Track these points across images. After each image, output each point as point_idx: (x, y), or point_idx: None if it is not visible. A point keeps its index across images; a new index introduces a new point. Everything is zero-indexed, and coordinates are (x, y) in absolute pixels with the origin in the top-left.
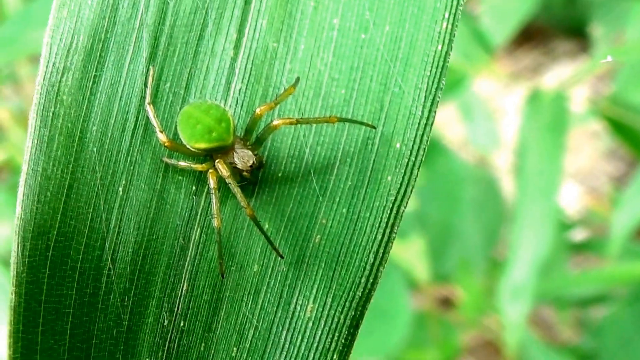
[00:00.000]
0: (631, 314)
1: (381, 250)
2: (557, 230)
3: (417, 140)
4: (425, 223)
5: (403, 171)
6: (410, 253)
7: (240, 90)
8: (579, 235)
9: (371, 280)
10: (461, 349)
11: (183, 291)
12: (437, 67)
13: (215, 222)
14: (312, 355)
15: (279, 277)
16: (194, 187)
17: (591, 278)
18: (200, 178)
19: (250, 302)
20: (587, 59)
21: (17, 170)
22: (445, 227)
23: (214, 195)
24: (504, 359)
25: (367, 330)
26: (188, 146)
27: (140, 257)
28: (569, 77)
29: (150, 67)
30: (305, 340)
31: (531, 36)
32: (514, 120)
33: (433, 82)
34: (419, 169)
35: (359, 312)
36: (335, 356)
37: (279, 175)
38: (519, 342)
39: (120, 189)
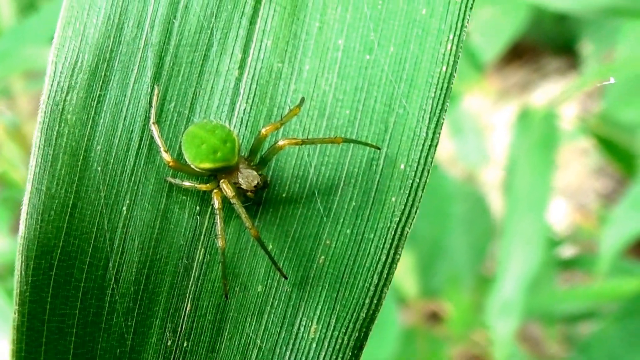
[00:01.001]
0: (619, 330)
1: (385, 272)
2: (545, 247)
3: (422, 161)
4: (414, 239)
5: (407, 192)
6: (399, 268)
7: (244, 110)
8: (567, 251)
9: (375, 302)
10: None
11: (186, 311)
12: (441, 89)
13: (220, 243)
14: None
15: (283, 298)
16: (198, 207)
17: (579, 294)
18: (204, 198)
19: (254, 323)
20: (577, 76)
21: (10, 184)
22: (434, 243)
23: (218, 216)
24: None
25: None
26: (192, 166)
27: (144, 277)
28: (558, 94)
29: (155, 86)
30: None
31: (521, 53)
32: (502, 137)
33: (437, 104)
34: (423, 190)
35: (362, 334)
36: None
37: (283, 195)
38: (507, 357)
39: (124, 208)
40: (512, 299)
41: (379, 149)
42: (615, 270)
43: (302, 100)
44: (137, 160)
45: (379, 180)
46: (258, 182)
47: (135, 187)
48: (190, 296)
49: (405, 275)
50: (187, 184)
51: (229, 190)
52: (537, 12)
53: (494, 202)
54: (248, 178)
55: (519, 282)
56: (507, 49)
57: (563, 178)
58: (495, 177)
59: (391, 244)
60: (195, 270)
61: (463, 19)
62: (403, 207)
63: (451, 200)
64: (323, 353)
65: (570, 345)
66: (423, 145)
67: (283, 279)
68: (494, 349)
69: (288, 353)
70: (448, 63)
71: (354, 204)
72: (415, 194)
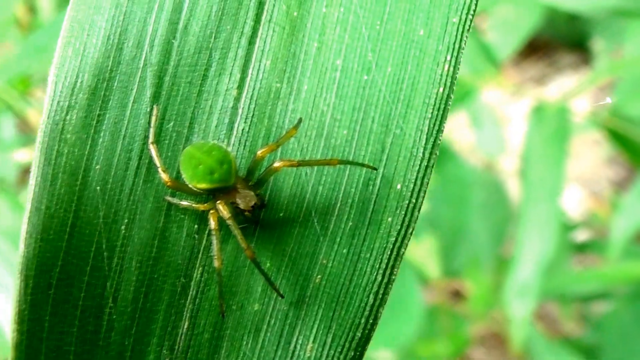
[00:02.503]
0: (631, 310)
1: (381, 292)
2: (560, 231)
3: (418, 182)
4: (436, 224)
5: (404, 213)
6: (422, 251)
7: (243, 130)
8: (581, 236)
9: (371, 321)
10: (470, 340)
11: (184, 329)
12: (438, 109)
13: (216, 263)
14: None
15: (280, 317)
16: (195, 226)
17: (593, 276)
18: (202, 217)
19: (250, 341)
20: (589, 70)
21: None
22: (455, 227)
23: (214, 237)
24: (511, 350)
25: (382, 323)
26: (190, 186)
27: (142, 295)
28: (571, 88)
29: (154, 106)
30: None
31: (536, 49)
32: (519, 127)
33: (434, 124)
34: (419, 210)
35: (358, 353)
36: None
37: (281, 214)
38: (525, 336)
39: (123, 227)
40: (529, 281)
41: (375, 169)
42: (626, 254)
43: (300, 121)
44: (136, 180)
45: (375, 201)
46: (255, 203)
47: (134, 206)
48: (188, 314)
49: (428, 257)
50: (184, 203)
51: (225, 212)
52: (551, 12)
53: (512, 189)
54: (245, 198)
55: (535, 264)
56: (524, 45)
57: (577, 167)
58: (513, 166)
59: (387, 264)
60: (193, 289)
61: (460, 40)
62: (399, 227)
63: (471, 187)
64: None
65: (585, 324)
66: (420, 165)
67: (280, 297)
68: (512, 328)
69: None
70: (445, 84)
71: (350, 223)
72: (412, 215)
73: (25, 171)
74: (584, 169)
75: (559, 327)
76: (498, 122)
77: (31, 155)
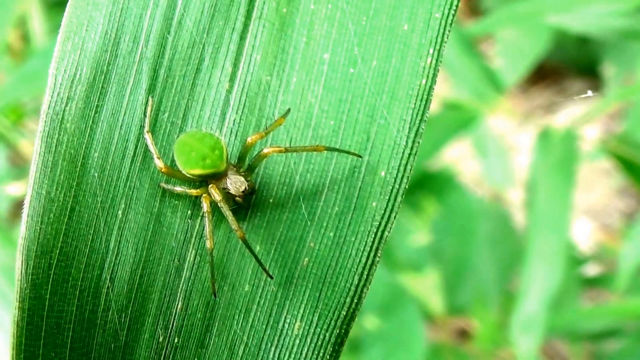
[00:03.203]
0: None
1: (365, 273)
2: (569, 265)
3: (401, 169)
4: (441, 257)
5: (387, 198)
6: (425, 286)
7: (234, 120)
8: (592, 270)
9: (355, 301)
10: None
11: (177, 309)
12: (421, 100)
13: (208, 244)
14: None
15: (269, 297)
16: (189, 211)
17: (603, 312)
18: (195, 202)
19: (241, 320)
20: (599, 98)
21: None
22: (460, 261)
23: (207, 219)
24: None
25: (384, 358)
26: (184, 172)
27: (138, 277)
28: (580, 115)
29: (150, 97)
30: (293, 356)
31: (545, 75)
32: (527, 157)
33: (417, 115)
34: (402, 196)
35: (343, 330)
36: None
37: (270, 200)
38: None
39: (120, 212)
40: (535, 316)
41: (360, 157)
42: (637, 288)
43: (288, 111)
44: (132, 167)
45: (360, 187)
46: (246, 188)
47: (130, 192)
48: (181, 295)
49: (432, 292)
50: (178, 189)
51: (216, 195)
52: (560, 35)
53: (519, 222)
54: (236, 184)
55: (541, 299)
56: (531, 70)
57: (588, 198)
58: (521, 198)
59: (371, 247)
60: (186, 270)
61: (443, 34)
62: (383, 211)
63: (477, 219)
64: (306, 349)
65: None
66: (403, 153)
67: (269, 279)
68: None
69: (273, 349)
70: (428, 76)
71: (336, 208)
72: (395, 200)
73: (17, 205)
74: (594, 200)
75: None
76: (505, 152)
77: (24, 189)
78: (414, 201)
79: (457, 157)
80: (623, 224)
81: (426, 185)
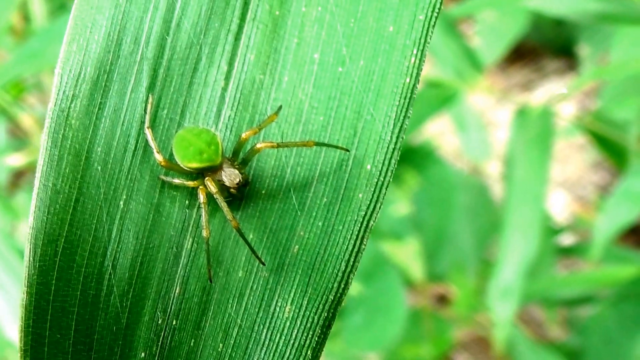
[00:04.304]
0: (614, 314)
1: (352, 260)
2: (545, 235)
3: (386, 162)
4: (421, 227)
5: (373, 190)
6: (406, 254)
7: (229, 116)
8: (567, 240)
9: (342, 286)
10: (454, 344)
11: (176, 294)
12: (405, 98)
13: (205, 233)
14: (288, 350)
15: (261, 282)
16: (187, 202)
17: (577, 280)
18: (192, 194)
19: (235, 304)
20: (575, 76)
21: None
22: (440, 230)
23: (203, 209)
24: (495, 355)
25: (366, 325)
26: (182, 165)
27: (138, 264)
28: (556, 93)
29: (150, 95)
30: (283, 337)
31: (523, 55)
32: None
33: (401, 111)
34: (387, 188)
35: (331, 314)
36: (309, 352)
37: (263, 192)
38: (508, 338)
39: (121, 202)
40: (511, 284)
41: (348, 151)
42: (611, 257)
43: (280, 107)
44: (133, 160)
45: (347, 179)
46: (240, 180)
47: (131, 184)
48: (179, 280)
49: (412, 260)
50: (177, 181)
51: (212, 187)
52: (537, 17)
53: (498, 194)
54: (231, 176)
55: (517, 267)
56: (510, 50)
57: (563, 171)
58: (499, 170)
59: (357, 235)
60: (184, 257)
61: (426, 35)
62: (369, 202)
63: (456, 191)
64: (296, 330)
65: (570, 328)
66: (387, 148)
67: (261, 265)
68: (495, 330)
69: (265, 330)
70: (412, 75)
71: (325, 199)
72: (380, 191)
73: (17, 175)
74: (569, 173)
75: (544, 332)
76: (483, 127)
77: (23, 160)
78: (396, 173)
79: (437, 132)
80: (597, 196)
81: (408, 158)
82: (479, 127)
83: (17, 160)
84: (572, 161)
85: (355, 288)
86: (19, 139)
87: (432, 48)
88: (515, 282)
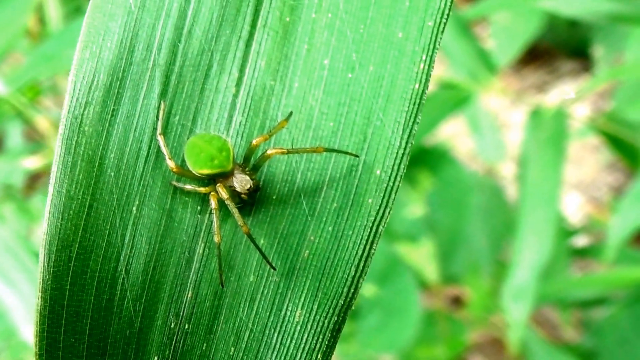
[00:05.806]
0: (629, 315)
1: (362, 264)
2: (559, 236)
3: (395, 168)
4: (435, 228)
5: (382, 195)
6: (420, 255)
7: (240, 122)
8: (581, 241)
9: (352, 291)
10: (469, 345)
11: (188, 298)
12: (414, 104)
13: (216, 239)
14: (299, 354)
15: (272, 287)
16: (198, 207)
17: (591, 281)
18: (204, 199)
19: (246, 308)
20: (589, 77)
21: None
22: (454, 232)
23: (215, 215)
24: (510, 356)
25: (380, 327)
26: (193, 172)
27: (151, 268)
28: (565, 98)
29: (162, 102)
30: (294, 341)
31: (537, 56)
32: (519, 134)
33: (410, 117)
34: (396, 193)
35: (341, 318)
36: (319, 355)
37: (274, 197)
38: (522, 339)
39: (134, 208)
40: (526, 285)
41: (357, 156)
42: (625, 258)
43: (290, 114)
44: (146, 167)
45: (357, 185)
46: (251, 186)
47: (144, 190)
48: (191, 285)
49: (427, 261)
50: (188, 187)
51: (223, 193)
52: (551, 18)
53: (512, 195)
54: (242, 182)
55: (532, 269)
56: (524, 52)
57: (577, 173)
58: (513, 172)
59: (367, 240)
60: (196, 262)
61: (435, 41)
62: (378, 207)
63: (470, 192)
64: (306, 335)
65: (584, 330)
66: (397, 153)
67: (272, 270)
68: (510, 331)
69: (276, 334)
70: (421, 81)
71: (335, 205)
72: (389, 197)
73: (32, 178)
74: (583, 175)
75: (559, 333)
76: (498, 128)
77: (39, 163)
78: (410, 175)
79: (452, 134)
80: (611, 197)
81: (422, 160)
82: (493, 128)
83: (33, 162)
84: (586, 162)
85: (370, 290)
86: (35, 141)
87: (446, 50)
88: (529, 283)
